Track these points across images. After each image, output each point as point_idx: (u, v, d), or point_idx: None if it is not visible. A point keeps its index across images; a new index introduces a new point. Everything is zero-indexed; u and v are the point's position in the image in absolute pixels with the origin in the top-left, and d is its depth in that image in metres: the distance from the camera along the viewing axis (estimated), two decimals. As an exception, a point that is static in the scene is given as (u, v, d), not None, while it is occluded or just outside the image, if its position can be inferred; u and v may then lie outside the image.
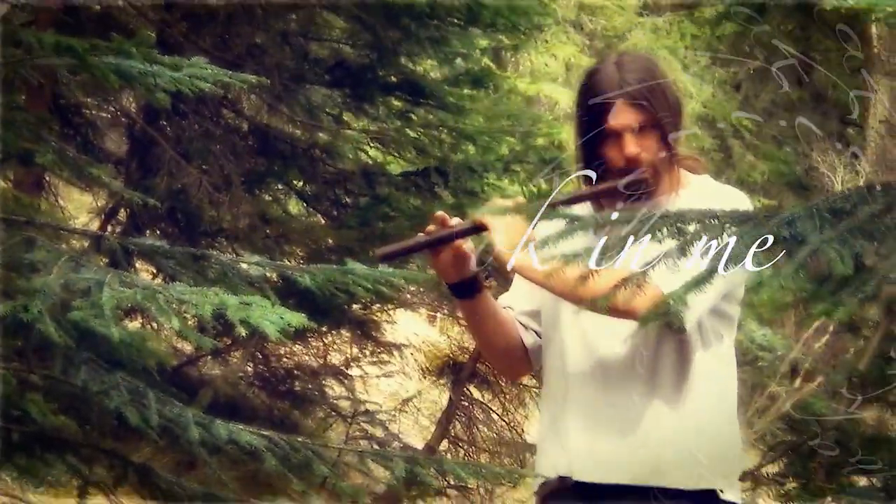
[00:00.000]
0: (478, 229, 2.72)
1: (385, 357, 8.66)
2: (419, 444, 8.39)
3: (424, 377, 9.00)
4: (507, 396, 8.46)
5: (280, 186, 7.47)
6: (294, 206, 7.88)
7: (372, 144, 7.36)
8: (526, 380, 7.93)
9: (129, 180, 6.81)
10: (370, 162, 7.45)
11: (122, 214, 7.34)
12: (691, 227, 1.78)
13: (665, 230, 1.78)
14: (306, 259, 6.98)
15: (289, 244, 7.18)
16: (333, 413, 8.39)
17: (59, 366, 3.49)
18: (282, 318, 3.16)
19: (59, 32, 3.98)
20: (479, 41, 7.27)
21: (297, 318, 3.18)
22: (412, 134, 7.16)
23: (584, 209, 2.80)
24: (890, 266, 1.61)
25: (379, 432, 8.27)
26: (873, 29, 12.20)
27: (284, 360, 8.35)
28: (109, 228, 7.09)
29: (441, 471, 4.11)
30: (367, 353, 8.59)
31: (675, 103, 2.78)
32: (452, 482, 7.40)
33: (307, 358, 8.45)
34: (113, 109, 7.23)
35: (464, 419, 8.35)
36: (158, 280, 5.15)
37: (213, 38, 6.68)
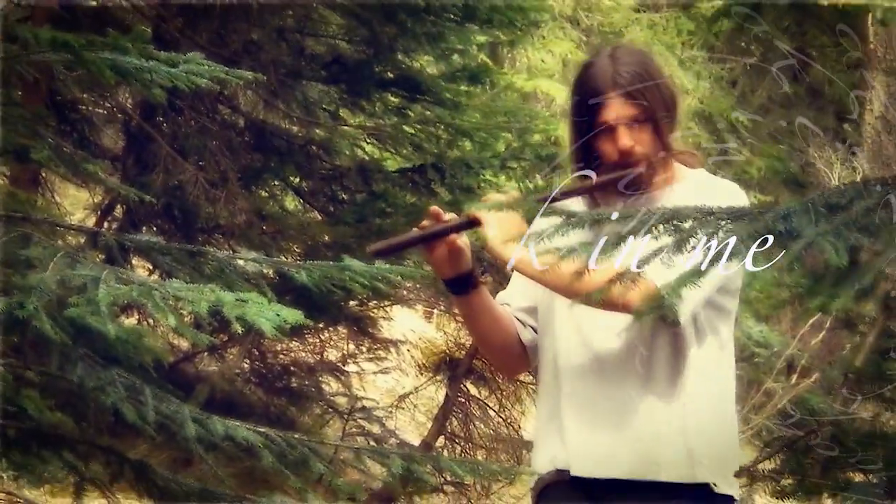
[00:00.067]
0: (471, 224, 2.72)
1: (382, 353, 8.66)
2: (416, 441, 8.40)
3: (421, 374, 9.00)
4: (504, 393, 8.47)
5: (276, 183, 7.47)
6: (290, 203, 7.88)
7: (368, 141, 7.36)
8: (523, 376, 7.92)
9: (125, 176, 6.80)
10: (367, 158, 7.45)
11: (118, 211, 7.33)
12: (687, 225, 1.78)
13: (661, 227, 1.78)
14: (303, 255, 6.97)
15: (285, 240, 7.18)
16: (330, 409, 8.39)
17: (55, 362, 3.48)
18: (278, 314, 3.15)
19: (55, 28, 3.97)
20: (476, 37, 7.26)
21: (294, 315, 3.17)
22: (409, 130, 7.16)
23: (578, 203, 2.81)
24: (886, 260, 1.61)
25: (375, 429, 8.27)
26: (870, 25, 12.21)
27: (281, 356, 8.35)
28: (106, 225, 7.09)
29: (438, 468, 4.11)
30: (364, 349, 8.59)
31: (669, 97, 2.78)
32: (449, 479, 7.41)
33: (304, 354, 8.45)
34: (109, 105, 7.22)
35: (460, 415, 8.35)
36: (155, 277, 5.14)
37: (209, 33, 6.67)
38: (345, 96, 7.15)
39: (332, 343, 8.54)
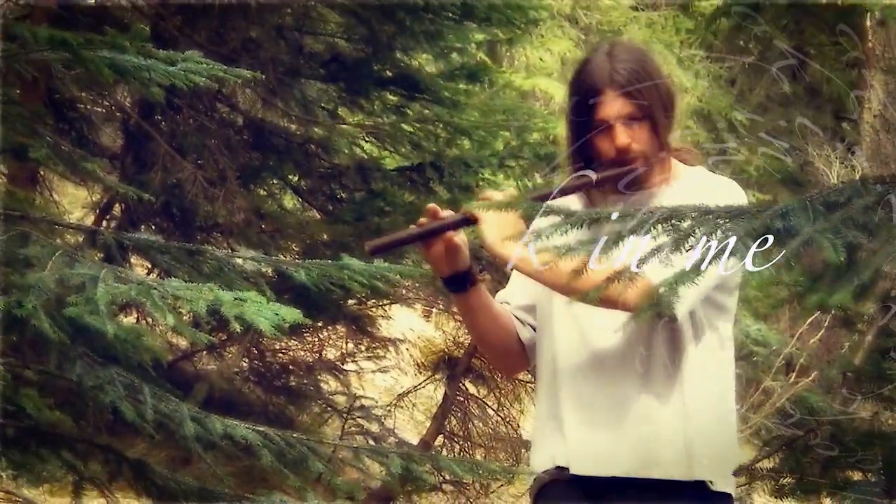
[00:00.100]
0: (468, 221, 2.72)
1: (380, 352, 8.66)
2: (414, 440, 8.40)
3: (420, 372, 9.00)
4: (503, 392, 8.46)
5: (275, 181, 7.46)
6: (289, 201, 7.88)
7: (367, 139, 7.35)
8: (521, 375, 7.92)
9: (123, 175, 6.80)
10: (365, 157, 7.44)
11: (116, 209, 7.32)
12: (686, 223, 1.78)
13: (660, 227, 1.78)
14: (301, 254, 6.97)
15: (284, 239, 7.17)
16: (329, 408, 8.39)
17: (54, 361, 3.48)
18: (276, 313, 3.15)
19: (53, 27, 3.97)
20: (475, 35, 7.26)
21: (292, 314, 3.17)
22: (407, 129, 7.16)
23: (575, 202, 2.80)
24: (884, 258, 1.61)
25: (374, 427, 8.27)
26: (868, 24, 12.20)
27: (280, 355, 8.35)
28: (104, 223, 7.08)
29: (436, 467, 4.11)
30: (363, 348, 8.59)
31: (667, 94, 2.77)
32: (448, 478, 7.40)
33: (302, 353, 8.45)
34: (108, 104, 7.21)
35: (459, 414, 8.34)
36: (153, 275, 5.14)
37: (207, 32, 6.66)
38: (343, 95, 7.14)
39: (330, 342, 8.54)
